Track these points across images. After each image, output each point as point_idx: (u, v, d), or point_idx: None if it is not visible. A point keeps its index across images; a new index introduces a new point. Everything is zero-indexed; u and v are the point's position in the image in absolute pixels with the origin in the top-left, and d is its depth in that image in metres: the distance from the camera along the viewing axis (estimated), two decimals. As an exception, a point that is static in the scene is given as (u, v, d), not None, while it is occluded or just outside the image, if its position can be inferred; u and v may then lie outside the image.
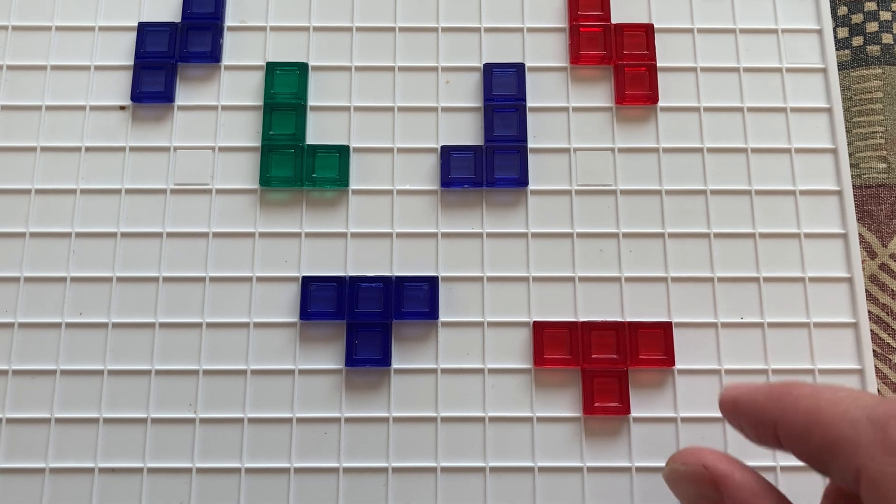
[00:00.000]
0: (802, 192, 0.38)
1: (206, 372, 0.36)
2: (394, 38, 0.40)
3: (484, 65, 0.39)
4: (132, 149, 0.38)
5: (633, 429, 0.35)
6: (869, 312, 0.38)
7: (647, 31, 0.39)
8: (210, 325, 0.36)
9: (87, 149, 0.38)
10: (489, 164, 0.38)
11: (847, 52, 0.42)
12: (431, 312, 0.36)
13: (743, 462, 0.29)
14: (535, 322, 0.36)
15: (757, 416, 0.28)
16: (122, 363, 0.36)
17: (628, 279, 0.37)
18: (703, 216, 0.38)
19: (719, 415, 0.35)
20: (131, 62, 0.39)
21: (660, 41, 0.40)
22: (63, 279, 0.37)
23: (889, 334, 0.38)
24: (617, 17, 0.40)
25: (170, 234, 0.37)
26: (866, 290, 0.39)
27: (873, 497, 0.24)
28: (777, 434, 0.27)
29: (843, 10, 0.43)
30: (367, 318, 0.36)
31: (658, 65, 0.39)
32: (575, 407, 0.36)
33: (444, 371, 0.36)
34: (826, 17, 0.40)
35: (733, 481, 0.28)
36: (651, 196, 0.38)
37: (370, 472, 0.35)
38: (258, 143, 0.38)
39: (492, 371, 0.36)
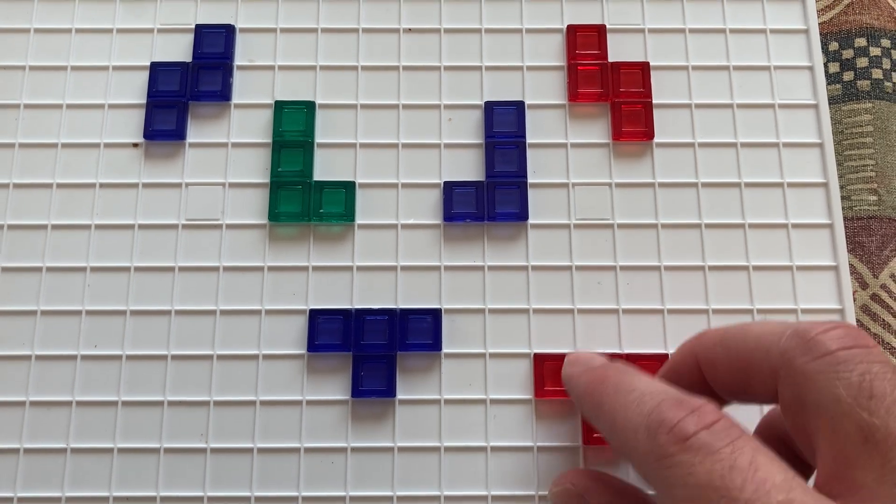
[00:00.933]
0: (794, 226, 0.39)
1: (217, 403, 0.37)
2: (398, 77, 0.41)
3: (485, 102, 0.40)
4: (145, 185, 0.39)
5: (630, 457, 0.36)
6: (860, 342, 0.39)
7: (643, 69, 0.41)
8: (220, 357, 0.37)
9: (101, 185, 0.39)
10: (490, 198, 0.39)
11: (838, 86, 0.43)
12: (435, 344, 0.37)
13: (607, 474, 0.31)
14: (535, 354, 0.37)
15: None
16: (135, 394, 0.37)
17: (626, 311, 0.38)
18: (699, 249, 0.39)
19: (715, 443, 0.36)
20: (144, 101, 0.40)
21: (655, 78, 0.41)
22: (78, 312, 0.38)
23: (880, 363, 0.39)
24: (613, 56, 0.41)
25: (181, 269, 0.38)
26: (858, 321, 0.40)
27: (791, 394, 0.25)
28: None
29: (833, 46, 0.44)
30: (373, 350, 0.37)
31: (654, 102, 0.40)
32: (575, 437, 0.37)
33: (448, 402, 0.37)
34: (817, 54, 0.41)
35: (596, 490, 0.31)
36: (647, 230, 0.39)
37: (376, 500, 0.36)
38: (267, 180, 0.39)
39: (494, 402, 0.37)
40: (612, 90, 0.40)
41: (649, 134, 0.40)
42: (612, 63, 0.41)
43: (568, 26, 0.41)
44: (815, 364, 0.25)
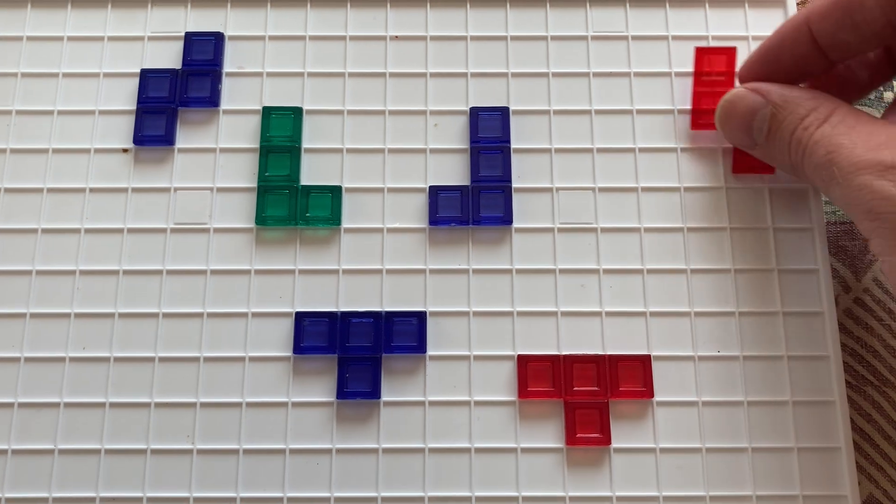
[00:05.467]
0: (777, 229, 0.39)
1: (204, 404, 0.37)
2: (384, 83, 0.41)
3: (470, 108, 0.41)
4: (134, 190, 0.40)
5: (613, 459, 0.37)
6: (844, 346, 0.40)
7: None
8: (207, 360, 0.38)
9: (91, 190, 0.40)
10: (475, 203, 0.39)
11: (821, 93, 0.44)
12: (420, 346, 0.38)
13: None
14: (519, 355, 0.38)
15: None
16: (123, 396, 0.37)
17: (609, 314, 0.38)
18: (682, 252, 0.39)
19: (698, 445, 0.37)
20: (134, 107, 0.41)
21: (636, 86, 0.41)
22: (67, 315, 0.38)
23: (864, 367, 0.40)
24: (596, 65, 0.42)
25: (169, 272, 0.39)
26: (842, 324, 0.40)
27: None
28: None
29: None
30: (358, 353, 0.37)
31: (636, 109, 0.41)
32: (558, 438, 0.37)
33: (432, 403, 0.37)
34: (799, 60, 0.42)
35: (776, 91, 0.36)
36: (630, 234, 0.39)
37: (360, 501, 0.36)
38: (254, 184, 0.40)
39: (478, 403, 0.37)
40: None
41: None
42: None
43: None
44: None
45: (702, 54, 0.41)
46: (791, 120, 0.35)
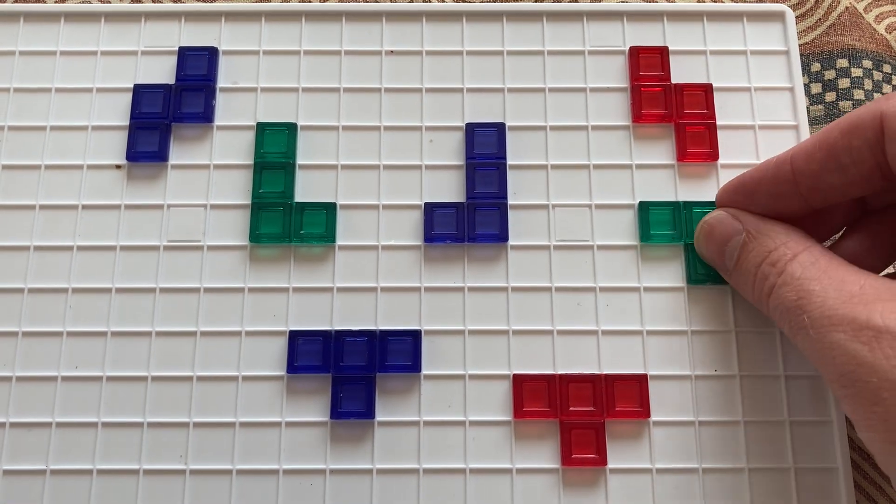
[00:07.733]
0: (775, 247, 0.39)
1: (197, 424, 0.37)
2: (379, 99, 0.41)
3: (466, 124, 0.41)
4: (127, 206, 0.40)
5: (609, 479, 0.36)
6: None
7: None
8: (200, 379, 0.37)
9: (84, 207, 0.40)
10: (471, 220, 0.39)
11: (820, 107, 0.44)
12: (414, 366, 0.37)
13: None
14: (514, 375, 0.37)
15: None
16: (115, 416, 0.37)
17: (605, 332, 0.38)
18: (679, 270, 0.39)
19: (695, 465, 0.36)
20: (127, 122, 0.41)
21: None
22: (59, 333, 0.38)
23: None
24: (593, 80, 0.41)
25: (163, 290, 0.38)
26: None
27: None
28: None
29: (816, 67, 0.44)
30: (352, 372, 0.37)
31: (632, 124, 0.41)
32: (553, 458, 0.37)
33: (427, 423, 0.37)
34: (797, 75, 0.41)
35: (752, 220, 0.35)
36: (627, 251, 0.39)
37: (354, 522, 0.36)
38: (248, 201, 0.40)
39: (473, 423, 0.37)
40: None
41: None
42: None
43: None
44: None
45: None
46: (759, 251, 0.34)
